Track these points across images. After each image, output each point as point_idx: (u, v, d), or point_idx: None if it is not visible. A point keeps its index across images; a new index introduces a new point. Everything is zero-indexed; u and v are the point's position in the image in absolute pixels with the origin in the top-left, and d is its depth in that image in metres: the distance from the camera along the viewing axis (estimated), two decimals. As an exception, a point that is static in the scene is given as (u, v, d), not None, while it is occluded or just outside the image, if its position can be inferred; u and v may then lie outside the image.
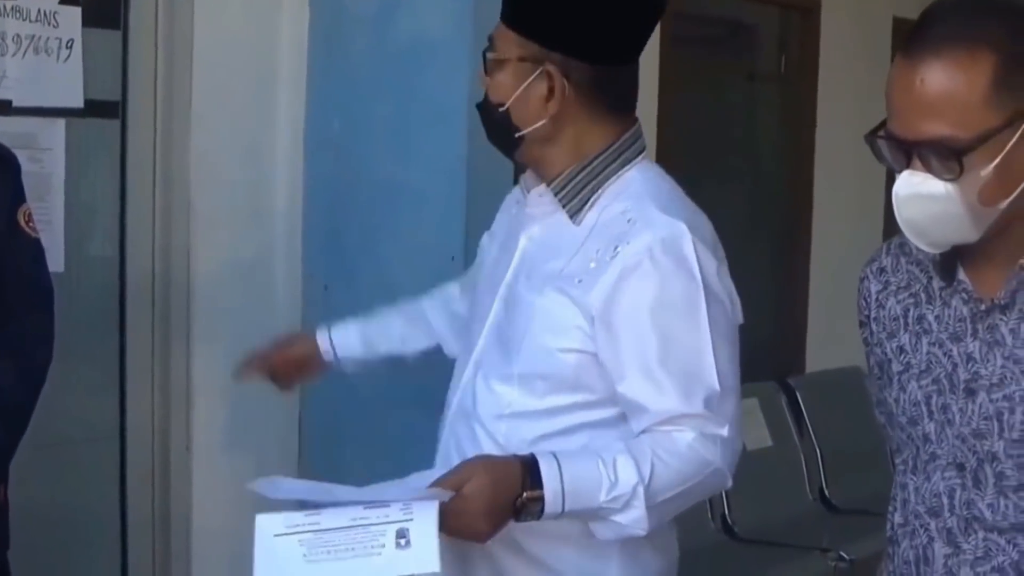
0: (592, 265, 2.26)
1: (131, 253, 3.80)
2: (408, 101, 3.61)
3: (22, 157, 3.09)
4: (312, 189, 3.94)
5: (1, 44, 3.47)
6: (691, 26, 5.52)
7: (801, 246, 6.01)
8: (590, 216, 2.32)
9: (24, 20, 3.51)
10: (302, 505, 2.14)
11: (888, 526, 2.08)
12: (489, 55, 2.35)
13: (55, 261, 3.44)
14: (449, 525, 2.09)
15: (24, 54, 3.51)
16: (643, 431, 2.25)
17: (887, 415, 2.07)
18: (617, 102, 2.36)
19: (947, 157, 1.79)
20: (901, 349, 2.01)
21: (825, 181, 5.89)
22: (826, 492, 5.35)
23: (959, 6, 1.84)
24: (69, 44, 3.59)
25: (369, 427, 3.68)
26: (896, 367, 2.02)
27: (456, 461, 2.29)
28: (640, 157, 2.37)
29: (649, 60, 4.92)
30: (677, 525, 2.46)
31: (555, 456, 2.17)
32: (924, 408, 1.97)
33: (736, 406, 2.28)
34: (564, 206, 2.33)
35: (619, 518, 2.18)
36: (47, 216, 3.54)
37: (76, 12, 3.59)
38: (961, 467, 1.95)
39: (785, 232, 6.10)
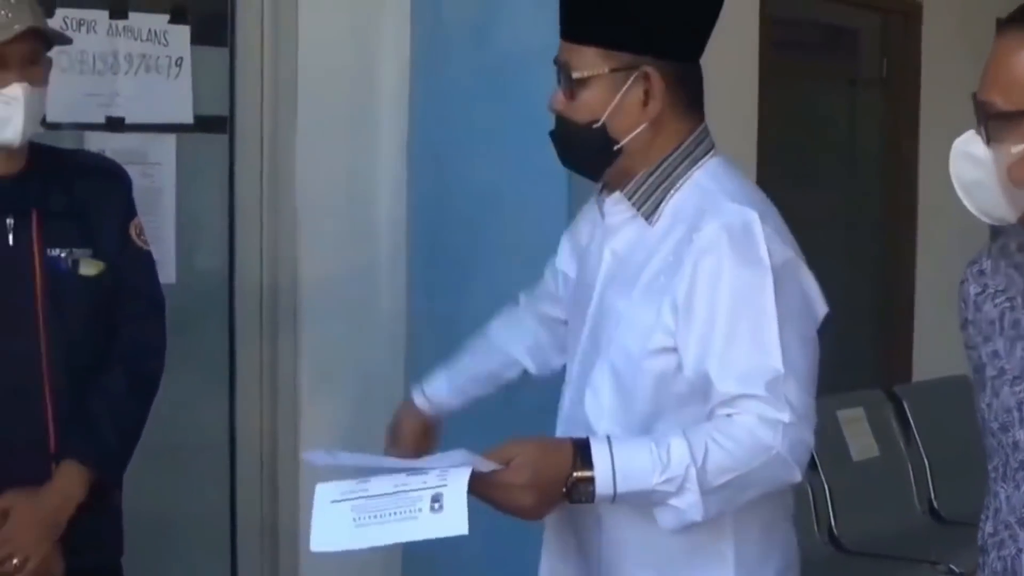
0: (671, 259, 2.29)
1: (240, 264, 3.85)
2: (509, 112, 3.61)
3: (134, 172, 3.16)
4: (416, 200, 3.96)
5: (113, 63, 3.55)
6: (792, 31, 5.51)
7: (906, 252, 5.94)
8: (665, 216, 2.35)
9: (135, 39, 3.58)
10: (360, 475, 2.20)
11: (979, 535, 2.03)
12: (575, 75, 2.33)
13: (166, 273, 3.51)
14: (493, 496, 2.14)
15: (136, 72, 3.59)
16: (710, 413, 2.24)
17: (981, 420, 2.03)
18: (694, 100, 2.40)
19: (983, 120, 1.83)
20: (995, 354, 1.99)
21: (930, 186, 5.81)
22: (935, 503, 5.26)
23: None
24: (179, 62, 3.66)
25: (477, 432, 3.69)
26: (990, 372, 1.99)
27: None
28: (708, 156, 2.38)
29: (748, 65, 4.96)
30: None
31: (608, 438, 2.20)
32: (1016, 415, 1.94)
33: (805, 396, 2.24)
34: (639, 209, 2.37)
35: (675, 502, 2.17)
36: (158, 229, 3.59)
37: (185, 31, 3.66)
38: None
39: (889, 238, 6.04)
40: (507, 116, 3.64)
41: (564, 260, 2.65)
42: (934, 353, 5.68)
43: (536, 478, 2.15)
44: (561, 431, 2.46)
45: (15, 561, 2.62)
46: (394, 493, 2.11)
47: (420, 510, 2.07)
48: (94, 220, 2.80)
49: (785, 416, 2.19)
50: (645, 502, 2.20)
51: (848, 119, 6.24)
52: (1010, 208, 1.87)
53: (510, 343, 2.81)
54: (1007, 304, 2.00)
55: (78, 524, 2.71)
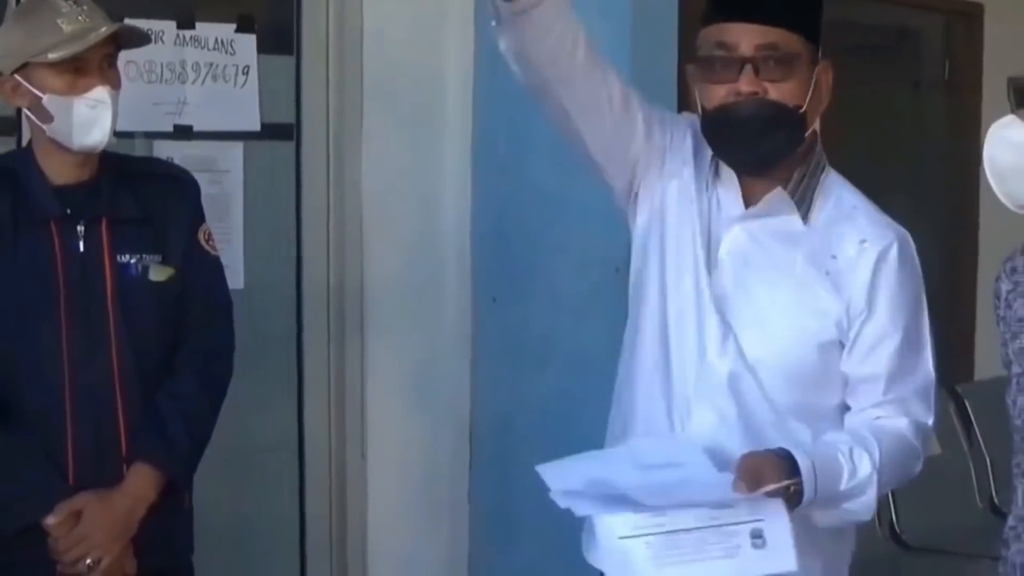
0: (833, 257, 2.33)
1: (307, 269, 3.86)
2: None
3: (203, 179, 3.15)
4: (480, 205, 3.98)
5: (181, 72, 3.56)
6: (856, 34, 5.45)
7: (968, 252, 5.91)
8: (813, 214, 2.37)
9: (202, 48, 3.59)
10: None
11: (1004, 528, 2.06)
12: (795, 53, 2.31)
13: (235, 278, 3.51)
14: None
15: (203, 81, 3.60)
16: (859, 412, 2.32)
17: (1008, 417, 2.08)
18: None
19: None
20: (1022, 351, 2.03)
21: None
22: (996, 500, 5.19)
23: None
24: (245, 70, 3.67)
25: (540, 433, 3.69)
26: (1016, 369, 2.04)
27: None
28: (827, 165, 2.44)
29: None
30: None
31: (803, 450, 2.20)
32: None
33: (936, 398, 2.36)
34: (799, 207, 2.37)
35: (849, 504, 2.23)
36: (227, 235, 3.60)
37: (251, 39, 3.67)
38: None
39: (951, 238, 6.00)
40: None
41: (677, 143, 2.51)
42: (996, 352, 5.61)
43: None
44: (686, 401, 2.39)
45: (88, 561, 2.65)
46: (701, 528, 2.04)
47: (739, 546, 2.03)
48: (163, 226, 2.81)
49: (931, 420, 2.33)
50: (827, 505, 2.22)
51: (913, 120, 6.19)
52: None
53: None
54: None
55: (150, 525, 2.72)
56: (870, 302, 2.30)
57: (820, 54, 2.37)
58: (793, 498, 2.14)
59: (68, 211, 2.70)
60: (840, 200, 2.38)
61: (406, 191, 3.95)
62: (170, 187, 2.88)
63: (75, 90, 2.64)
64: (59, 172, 2.73)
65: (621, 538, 2.04)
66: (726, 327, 2.36)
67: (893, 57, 6.11)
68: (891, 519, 4.83)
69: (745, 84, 2.29)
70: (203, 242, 2.88)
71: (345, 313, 3.88)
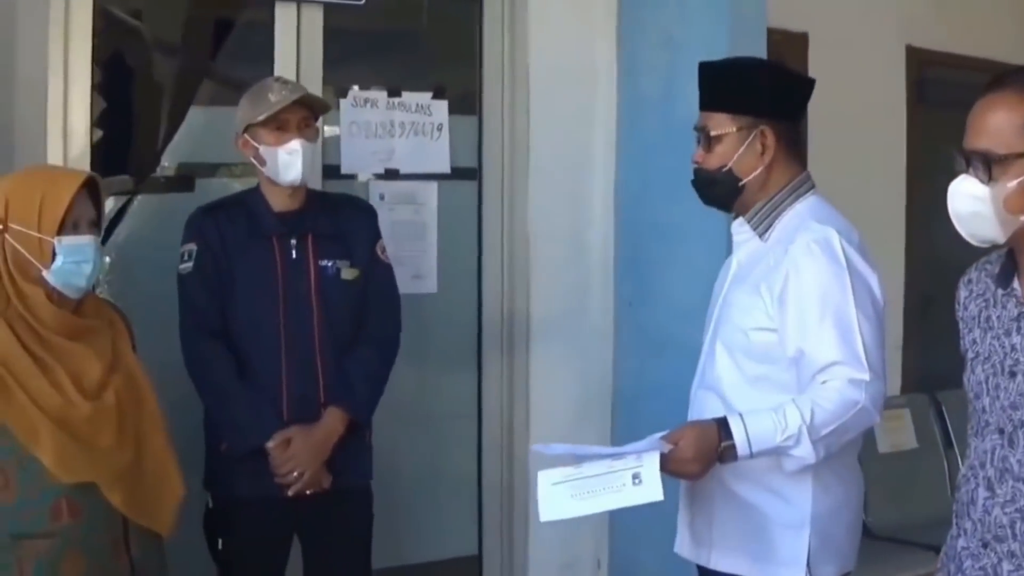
0: (772, 263, 2.54)
1: (486, 277, 4.04)
2: (687, 163, 3.63)
3: (407, 209, 3.41)
4: (620, 232, 4.11)
5: (391, 129, 3.83)
6: (938, 90, 5.56)
7: None
8: (774, 234, 2.60)
9: (407, 111, 3.86)
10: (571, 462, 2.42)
11: (959, 476, 2.20)
12: (712, 134, 2.58)
13: (430, 284, 3.82)
14: (669, 468, 2.38)
15: (407, 136, 3.86)
16: (809, 381, 2.44)
17: (966, 391, 2.19)
18: (797, 151, 2.64)
19: (985, 165, 1.96)
20: (974, 340, 2.15)
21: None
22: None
23: None
24: (439, 127, 3.89)
25: (662, 405, 3.69)
26: (970, 354, 2.16)
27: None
28: (809, 194, 2.62)
29: (897, 119, 5.04)
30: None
31: (740, 415, 2.44)
32: (984, 386, 2.10)
33: (878, 359, 2.45)
34: (755, 230, 2.62)
35: (794, 452, 2.41)
36: (425, 251, 3.86)
37: (444, 104, 3.91)
38: (1002, 431, 2.06)
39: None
40: (685, 166, 3.64)
41: None
42: None
43: (698, 452, 2.40)
44: (695, 387, 2.69)
45: (295, 474, 3.02)
46: (603, 474, 2.31)
47: (624, 485, 2.29)
48: (351, 240, 3.16)
49: (866, 376, 2.42)
50: (774, 454, 2.44)
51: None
52: (1001, 231, 2.01)
53: None
54: (983, 303, 2.16)
55: (341, 454, 3.06)
56: (784, 295, 2.47)
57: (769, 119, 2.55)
58: (728, 452, 2.39)
59: (284, 230, 3.08)
60: (798, 220, 2.55)
61: (563, 220, 4.09)
62: (356, 213, 3.23)
63: (278, 143, 3.02)
64: (277, 201, 3.10)
65: (554, 484, 2.33)
66: (716, 329, 2.64)
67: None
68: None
69: (694, 157, 2.62)
70: (380, 254, 3.21)
71: (515, 313, 4.02)
